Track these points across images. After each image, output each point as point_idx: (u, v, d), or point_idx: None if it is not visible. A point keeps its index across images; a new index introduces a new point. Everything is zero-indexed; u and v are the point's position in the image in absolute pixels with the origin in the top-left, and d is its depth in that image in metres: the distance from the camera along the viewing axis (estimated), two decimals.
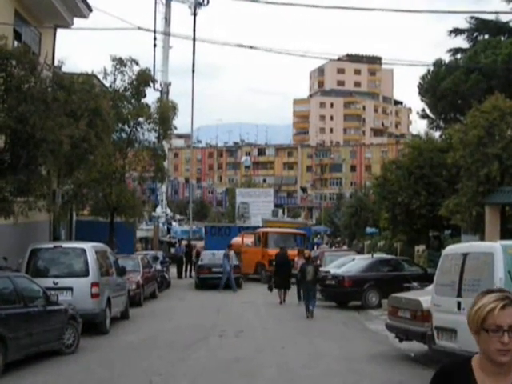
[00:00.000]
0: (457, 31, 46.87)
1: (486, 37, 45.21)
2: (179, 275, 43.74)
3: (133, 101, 33.83)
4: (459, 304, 11.97)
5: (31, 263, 19.03)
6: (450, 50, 47.26)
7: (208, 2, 67.51)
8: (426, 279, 22.21)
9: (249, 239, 41.94)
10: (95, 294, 18.87)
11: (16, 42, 23.42)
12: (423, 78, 47.58)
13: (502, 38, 43.47)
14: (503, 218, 25.32)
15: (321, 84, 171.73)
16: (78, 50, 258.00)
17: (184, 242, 48.65)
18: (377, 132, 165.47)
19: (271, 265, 37.91)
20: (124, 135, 34.51)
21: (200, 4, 67.79)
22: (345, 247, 61.19)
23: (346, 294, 27.29)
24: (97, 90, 23.49)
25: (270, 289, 30.14)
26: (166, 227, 69.87)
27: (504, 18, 45.01)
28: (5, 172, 18.64)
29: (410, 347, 16.37)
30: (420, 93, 48.21)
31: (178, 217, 74.20)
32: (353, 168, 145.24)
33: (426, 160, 34.15)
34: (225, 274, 34.23)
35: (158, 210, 71.38)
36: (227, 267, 34.25)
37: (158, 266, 35.38)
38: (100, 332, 19.11)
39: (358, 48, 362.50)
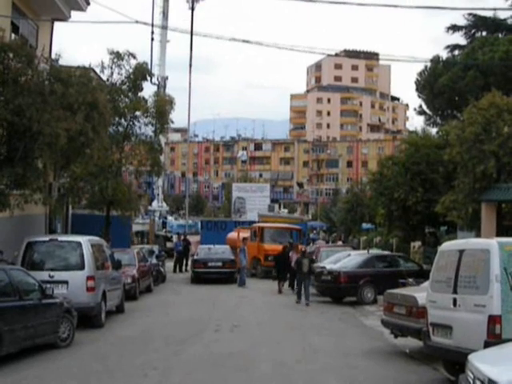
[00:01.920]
0: (455, 28, 46.93)
1: (484, 34, 45.27)
2: (175, 270, 43.64)
3: (130, 94, 33.78)
4: (455, 300, 11.98)
5: (27, 256, 18.99)
6: (448, 47, 47.33)
7: None
8: (421, 275, 22.29)
9: (244, 234, 41.95)
10: (90, 287, 18.85)
11: (13, 35, 23.37)
12: (420, 74, 47.61)
13: (500, 35, 43.54)
14: (499, 215, 25.31)
15: (318, 79, 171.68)
16: (76, 44, 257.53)
17: (181, 237, 48.55)
18: (373, 128, 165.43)
19: (267, 260, 38.31)
20: (121, 129, 34.45)
21: None
22: (339, 242, 61.00)
23: (341, 290, 27.33)
24: (94, 84, 23.41)
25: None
26: (161, 221, 69.82)
27: (502, 15, 45.22)
28: (1, 165, 18.62)
29: (405, 343, 16.40)
30: (417, 89, 48.24)
31: (164, 206, 73.70)
32: (349, 164, 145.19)
33: (423, 156, 34.15)
34: (243, 268, 34.45)
35: (154, 204, 71.36)
36: (244, 262, 34.61)
37: (154, 260, 35.36)
38: (95, 325, 19.09)
39: (355, 44, 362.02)
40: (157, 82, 54.34)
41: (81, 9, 28.59)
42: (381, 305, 20.22)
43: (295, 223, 51.53)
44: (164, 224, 70.83)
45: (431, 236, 38.77)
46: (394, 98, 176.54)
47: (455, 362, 12.01)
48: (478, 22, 45.89)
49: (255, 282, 36.17)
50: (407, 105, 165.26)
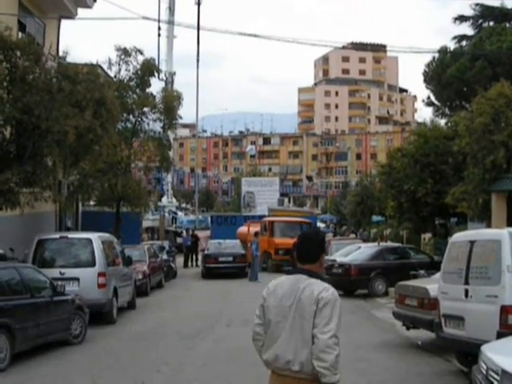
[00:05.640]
0: (462, 18, 46.74)
1: (491, 24, 45.05)
2: (186, 265, 43.83)
3: (138, 91, 33.81)
4: (466, 291, 11.93)
5: (38, 254, 19.02)
6: (455, 37, 47.13)
7: None
8: (432, 267, 22.20)
9: (255, 228, 41.94)
10: (102, 284, 18.88)
11: (20, 33, 23.42)
12: (428, 65, 47.53)
13: (507, 25, 43.35)
14: (509, 206, 25.26)
15: (325, 72, 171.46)
16: (83, 41, 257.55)
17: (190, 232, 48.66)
18: (382, 120, 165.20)
19: (277, 253, 38.35)
20: (129, 125, 34.52)
21: None
22: (352, 235, 60.79)
23: (352, 283, 27.25)
24: (102, 80, 23.43)
25: None
26: (171, 217, 69.90)
27: (509, 5, 44.89)
28: (10, 163, 18.64)
29: (417, 335, 16.36)
30: (425, 80, 48.15)
31: (174, 202, 73.63)
32: (358, 156, 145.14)
33: (432, 148, 34.05)
34: (255, 262, 34.48)
35: (164, 199, 71.47)
36: (256, 254, 34.64)
37: (165, 256, 35.41)
38: (107, 322, 19.14)
39: (362, 36, 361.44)
40: (164, 78, 54.10)
41: (87, 6, 28.66)
42: (392, 297, 20.20)
43: (305, 217, 51.45)
44: (174, 220, 70.92)
45: (441, 227, 38.70)
46: (402, 90, 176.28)
47: (468, 353, 11.97)
48: (485, 12, 45.64)
49: (266, 275, 36.08)
50: (415, 96, 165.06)
